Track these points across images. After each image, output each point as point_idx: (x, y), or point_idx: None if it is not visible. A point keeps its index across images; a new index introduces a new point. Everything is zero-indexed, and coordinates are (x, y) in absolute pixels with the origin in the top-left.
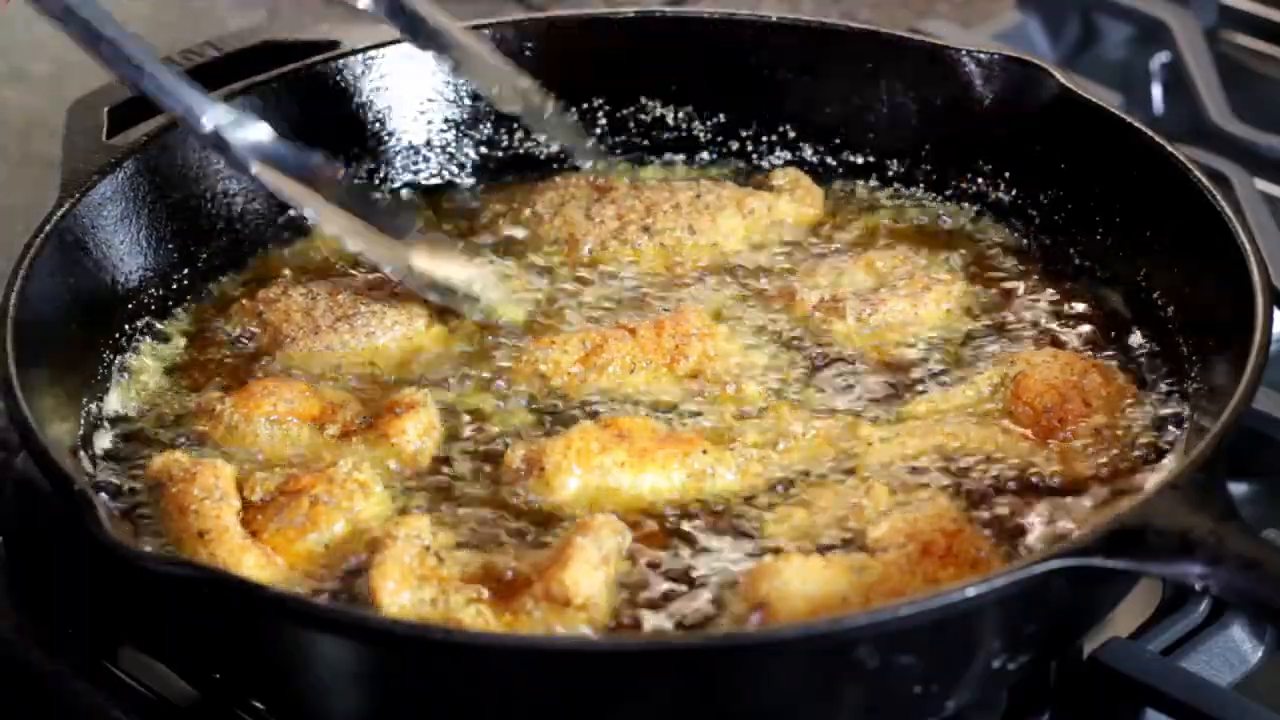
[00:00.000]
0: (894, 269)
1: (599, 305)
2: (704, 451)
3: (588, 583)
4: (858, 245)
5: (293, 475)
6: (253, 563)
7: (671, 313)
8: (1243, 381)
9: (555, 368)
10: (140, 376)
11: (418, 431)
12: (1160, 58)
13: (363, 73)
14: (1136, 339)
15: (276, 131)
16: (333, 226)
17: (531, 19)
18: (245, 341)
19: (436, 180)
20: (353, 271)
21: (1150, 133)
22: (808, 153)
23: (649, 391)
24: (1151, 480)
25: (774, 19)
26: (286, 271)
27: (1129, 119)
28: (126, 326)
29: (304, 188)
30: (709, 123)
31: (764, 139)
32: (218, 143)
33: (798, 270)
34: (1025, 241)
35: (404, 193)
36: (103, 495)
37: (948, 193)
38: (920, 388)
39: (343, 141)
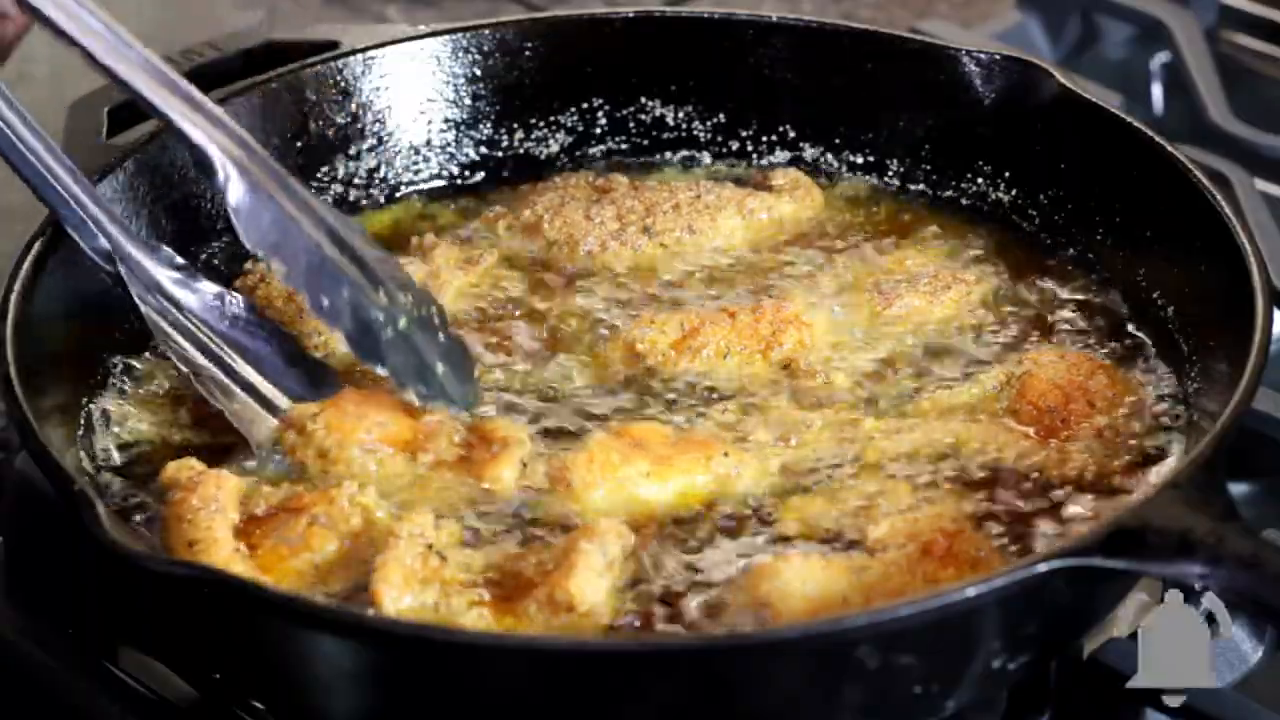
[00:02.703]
0: (923, 266)
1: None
2: (725, 454)
3: (592, 590)
4: (858, 245)
5: (298, 493)
6: None
7: (772, 300)
8: (1243, 381)
9: (652, 347)
10: (140, 376)
11: (513, 477)
12: (1160, 58)
13: (363, 73)
14: (1136, 339)
15: (276, 132)
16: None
17: (531, 19)
18: None
19: (436, 180)
20: None
21: (1150, 133)
22: (808, 153)
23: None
24: (1151, 480)
25: (774, 19)
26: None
27: (1129, 119)
28: (127, 326)
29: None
30: (709, 123)
31: (764, 139)
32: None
33: (812, 267)
34: (1025, 242)
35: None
36: (103, 495)
37: (948, 193)
38: (927, 384)
39: (343, 141)
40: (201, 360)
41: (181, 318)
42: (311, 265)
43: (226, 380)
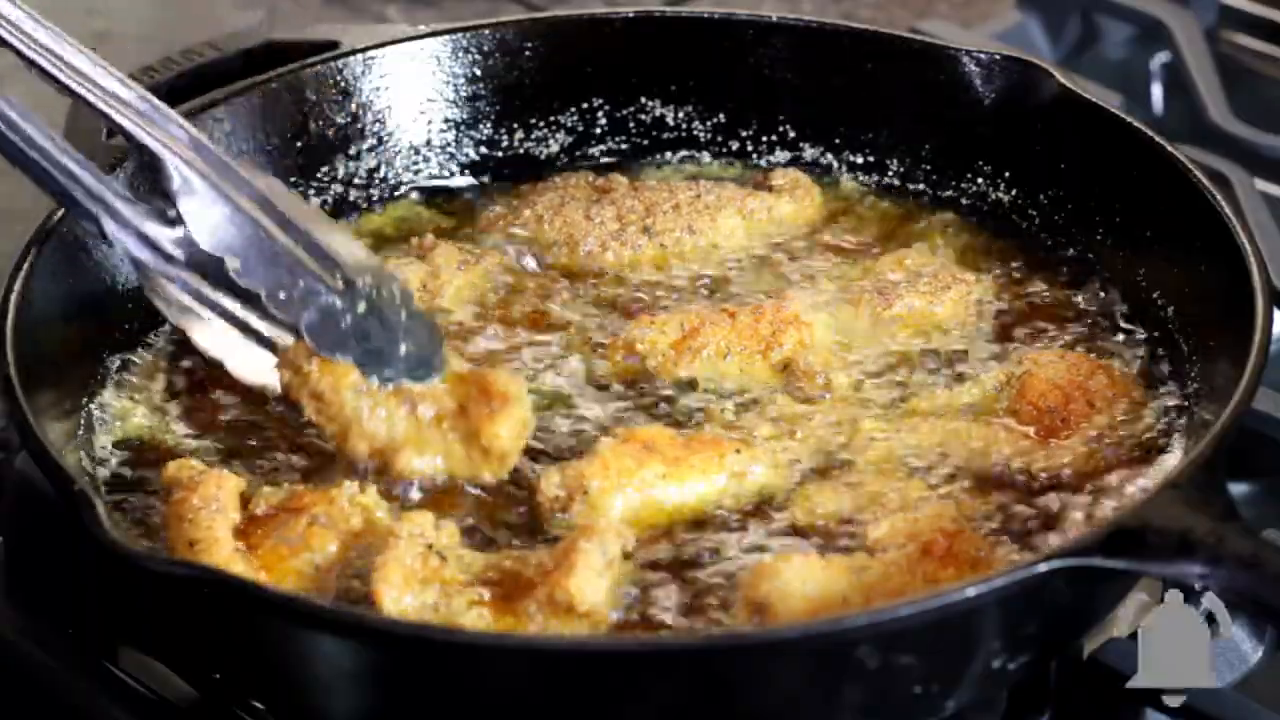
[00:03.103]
0: (923, 266)
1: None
2: (737, 451)
3: (592, 590)
4: (858, 245)
5: (298, 493)
6: None
7: (772, 300)
8: (1243, 381)
9: (652, 347)
10: (140, 375)
11: (511, 435)
12: (1160, 58)
13: (363, 73)
14: (1136, 339)
15: (276, 132)
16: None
17: (531, 19)
18: None
19: (437, 180)
20: None
21: (1150, 133)
22: (808, 153)
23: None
24: (1151, 480)
25: (774, 19)
26: None
27: (1129, 119)
28: (126, 326)
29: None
30: (709, 123)
31: (764, 139)
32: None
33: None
34: (1025, 242)
35: None
36: (103, 495)
37: (948, 193)
38: (927, 384)
39: (343, 141)
40: (197, 306)
41: (175, 270)
42: (265, 258)
43: (225, 324)
